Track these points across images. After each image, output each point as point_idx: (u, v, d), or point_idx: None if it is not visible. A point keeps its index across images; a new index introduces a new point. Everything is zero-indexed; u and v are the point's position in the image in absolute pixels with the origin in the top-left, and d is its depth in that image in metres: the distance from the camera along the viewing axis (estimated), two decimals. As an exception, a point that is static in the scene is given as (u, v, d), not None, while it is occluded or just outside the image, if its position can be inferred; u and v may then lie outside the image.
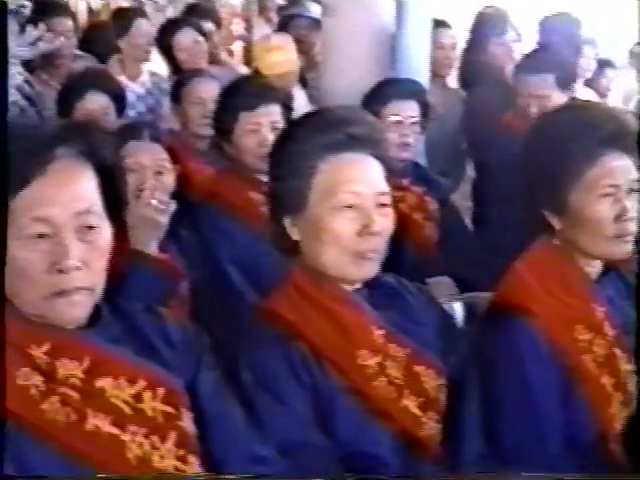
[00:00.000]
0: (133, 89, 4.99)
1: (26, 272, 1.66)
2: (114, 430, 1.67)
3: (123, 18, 5.37)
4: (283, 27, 5.70)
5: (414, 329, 2.09)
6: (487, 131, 4.51)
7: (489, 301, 2.22)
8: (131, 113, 4.72)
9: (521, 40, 5.33)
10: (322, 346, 1.99)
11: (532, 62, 4.25)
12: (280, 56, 4.74)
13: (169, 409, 1.73)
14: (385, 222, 2.03)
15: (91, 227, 1.69)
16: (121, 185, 1.81)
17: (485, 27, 5.27)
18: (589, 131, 2.11)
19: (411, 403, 2.01)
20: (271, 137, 3.30)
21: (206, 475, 1.76)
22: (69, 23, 5.10)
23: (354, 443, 1.97)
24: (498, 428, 2.08)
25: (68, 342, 1.70)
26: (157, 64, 5.36)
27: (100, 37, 5.75)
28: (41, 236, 1.66)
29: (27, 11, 4.17)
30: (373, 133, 2.07)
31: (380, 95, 3.67)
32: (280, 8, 6.94)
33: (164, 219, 2.85)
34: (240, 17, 7.40)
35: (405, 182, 3.54)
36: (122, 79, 4.81)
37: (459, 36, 5.35)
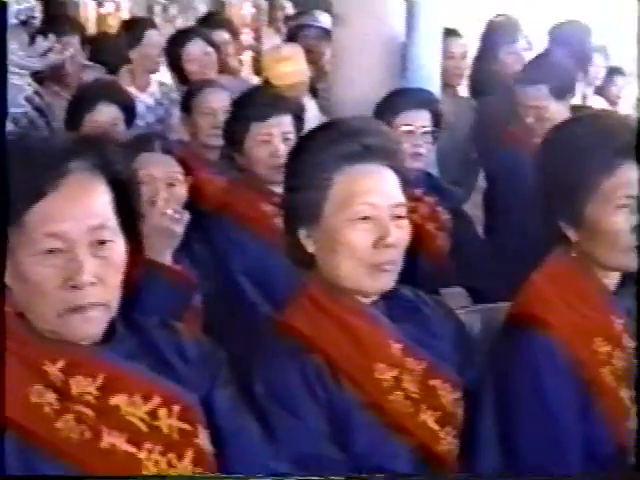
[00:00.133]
0: (142, 100, 4.98)
1: (40, 288, 1.64)
2: (130, 448, 1.65)
3: (134, 29, 5.36)
4: (292, 37, 5.68)
5: (431, 342, 2.07)
6: (496, 141, 4.50)
7: (506, 313, 2.19)
8: (140, 124, 4.70)
9: (532, 48, 5.31)
10: (338, 359, 1.97)
11: (527, 73, 4.23)
12: (290, 66, 4.72)
13: (185, 426, 1.71)
14: (401, 234, 2.01)
15: (105, 242, 1.68)
16: (135, 198, 1.79)
17: (496, 36, 5.25)
18: (605, 141, 2.09)
19: (428, 418, 1.99)
20: (283, 148, 3.30)
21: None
22: (79, 34, 5.11)
23: (370, 458, 1.95)
24: (515, 441, 2.06)
25: (83, 359, 1.68)
26: (164, 74, 5.35)
27: (109, 48, 5.75)
28: (54, 251, 1.64)
29: (37, 22, 4.16)
30: (388, 144, 2.06)
31: (392, 105, 3.65)
32: (289, 18, 6.92)
33: (179, 228, 2.84)
34: (249, 27, 7.40)
35: (417, 192, 3.51)
36: (132, 90, 4.80)
37: (470, 45, 5.32)
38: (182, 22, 7.53)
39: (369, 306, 2.04)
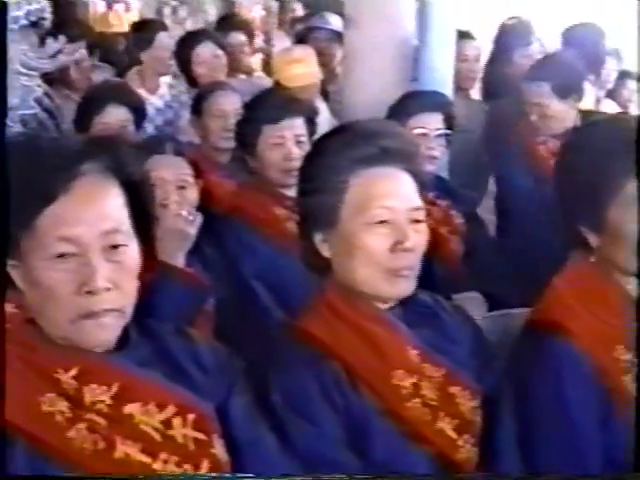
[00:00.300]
0: (152, 102, 4.95)
1: (52, 293, 1.60)
2: (145, 458, 1.61)
3: (144, 31, 5.33)
4: (302, 39, 5.65)
5: (449, 348, 2.04)
6: (506, 143, 4.47)
7: (526, 319, 2.15)
8: (149, 126, 4.68)
9: (546, 51, 5.26)
10: (356, 366, 1.94)
11: (533, 70, 4.21)
12: (301, 68, 4.68)
13: (200, 436, 1.67)
14: (419, 238, 1.98)
15: (119, 246, 1.64)
16: (149, 201, 1.75)
17: (509, 38, 5.22)
18: (627, 144, 2.04)
19: (446, 425, 1.95)
20: (296, 151, 3.27)
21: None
22: (88, 35, 5.08)
23: (388, 465, 1.91)
24: (535, 449, 2.02)
25: (96, 366, 1.65)
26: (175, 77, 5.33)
27: (118, 49, 5.73)
28: (67, 256, 1.60)
29: (47, 23, 4.12)
30: (406, 146, 2.03)
31: (405, 107, 3.63)
32: (299, 20, 6.90)
33: (193, 230, 2.82)
34: (259, 30, 7.38)
35: (430, 196, 3.48)
36: (141, 92, 4.76)
37: (483, 48, 5.29)
38: (192, 24, 7.51)
39: (387, 312, 2.00)
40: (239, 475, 1.72)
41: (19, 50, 3.90)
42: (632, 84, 6.08)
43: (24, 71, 3.95)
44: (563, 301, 2.08)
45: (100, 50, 5.45)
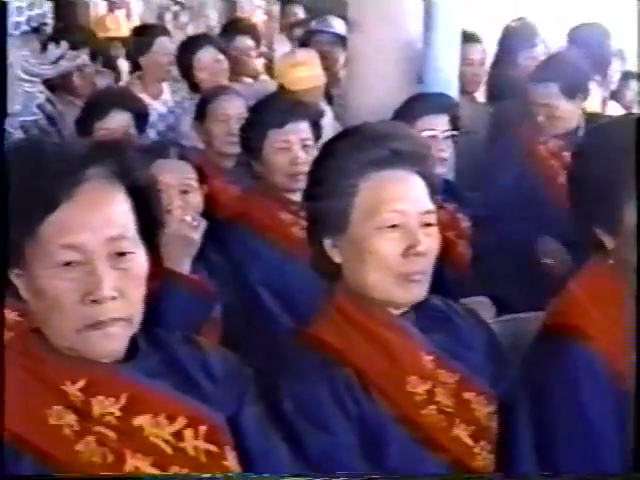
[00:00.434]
0: (155, 107, 4.91)
1: (57, 303, 1.56)
2: (155, 471, 1.57)
3: (144, 35, 5.30)
4: (305, 43, 5.62)
5: (464, 353, 2.00)
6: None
7: (542, 323, 2.11)
8: (151, 132, 4.64)
9: (550, 53, 5.23)
10: (368, 372, 1.90)
11: (539, 71, 4.17)
12: (305, 71, 4.65)
13: (212, 448, 1.63)
14: (431, 242, 1.95)
15: (125, 254, 1.59)
16: (155, 207, 1.71)
17: (513, 40, 5.18)
18: None
19: (462, 432, 1.92)
20: (302, 155, 3.24)
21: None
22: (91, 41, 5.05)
23: (403, 474, 1.87)
24: (553, 455, 1.97)
25: (104, 378, 1.60)
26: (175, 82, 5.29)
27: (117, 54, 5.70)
28: (72, 264, 1.55)
29: (49, 29, 4.10)
30: (417, 148, 1.99)
31: (411, 110, 3.59)
32: (301, 23, 6.87)
33: (197, 236, 2.77)
34: (261, 34, 7.35)
35: (437, 199, 3.45)
36: (144, 97, 4.73)
37: (488, 50, 5.25)
38: (193, 29, 7.48)
39: (399, 317, 1.97)
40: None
41: (20, 56, 3.88)
42: (635, 85, 6.05)
43: (26, 77, 3.93)
44: (580, 305, 2.03)
45: (102, 56, 5.41)
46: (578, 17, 5.76)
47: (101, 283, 1.55)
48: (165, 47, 5.16)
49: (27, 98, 3.95)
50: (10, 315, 1.79)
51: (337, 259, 1.98)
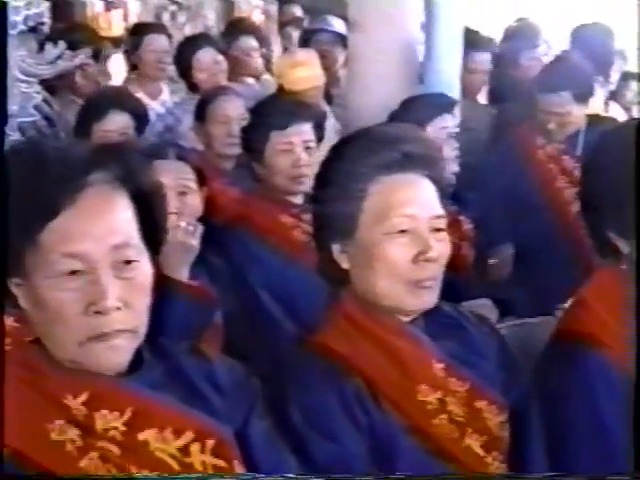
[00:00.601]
0: (153, 108, 4.87)
1: (59, 314, 1.50)
2: None
3: (140, 34, 5.24)
4: (305, 42, 5.59)
5: (475, 361, 1.96)
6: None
7: (554, 329, 2.06)
8: (149, 132, 4.59)
9: (552, 53, 5.20)
10: (378, 381, 1.85)
11: (549, 79, 4.14)
12: (304, 71, 4.61)
13: (220, 462, 1.58)
14: (442, 247, 1.90)
15: (129, 262, 1.53)
16: (160, 213, 1.65)
17: (515, 41, 5.15)
18: None
19: (474, 442, 1.87)
20: (304, 157, 3.20)
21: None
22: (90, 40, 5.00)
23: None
24: (569, 464, 1.93)
25: (107, 391, 1.55)
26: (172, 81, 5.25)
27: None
28: (74, 273, 1.50)
29: (46, 28, 4.05)
30: (429, 152, 1.95)
31: (414, 112, 3.57)
32: (300, 23, 6.84)
33: (195, 241, 2.69)
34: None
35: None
36: (141, 97, 4.67)
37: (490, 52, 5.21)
38: (191, 29, 7.44)
39: (409, 325, 1.92)
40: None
41: (17, 56, 3.83)
42: (635, 85, 6.01)
43: (23, 78, 3.89)
44: (593, 312, 1.99)
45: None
46: (579, 17, 5.74)
47: (105, 293, 1.49)
48: (155, 44, 5.12)
49: (24, 99, 3.90)
50: (7, 321, 1.73)
51: (345, 265, 1.93)
